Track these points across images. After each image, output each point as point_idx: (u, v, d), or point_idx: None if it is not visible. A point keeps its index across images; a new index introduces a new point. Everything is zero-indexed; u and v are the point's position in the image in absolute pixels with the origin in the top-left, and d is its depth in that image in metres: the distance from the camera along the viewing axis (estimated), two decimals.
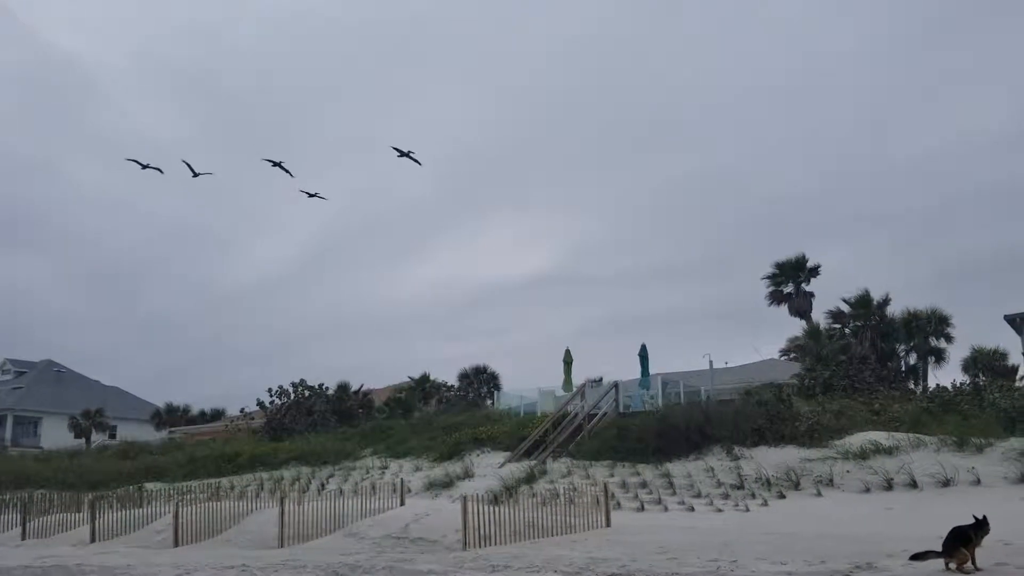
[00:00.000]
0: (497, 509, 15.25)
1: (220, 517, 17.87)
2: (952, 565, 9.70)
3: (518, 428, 27.82)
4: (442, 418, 32.23)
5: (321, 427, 35.10)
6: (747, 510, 17.70)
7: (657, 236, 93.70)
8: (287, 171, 26.19)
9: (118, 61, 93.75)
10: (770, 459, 20.81)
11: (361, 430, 33.06)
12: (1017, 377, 30.84)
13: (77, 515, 20.72)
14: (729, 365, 38.79)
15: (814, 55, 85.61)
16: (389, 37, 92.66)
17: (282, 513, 16.35)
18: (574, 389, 30.60)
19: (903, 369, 35.02)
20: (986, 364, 34.02)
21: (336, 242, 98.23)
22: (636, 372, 32.45)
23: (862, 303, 35.18)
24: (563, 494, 17.64)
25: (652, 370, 32.38)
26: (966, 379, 29.95)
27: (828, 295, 41.25)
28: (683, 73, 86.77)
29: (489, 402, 38.95)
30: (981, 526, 9.90)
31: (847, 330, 35.52)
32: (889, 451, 19.64)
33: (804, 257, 39.41)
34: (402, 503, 18.13)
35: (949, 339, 35.20)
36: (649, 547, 13.03)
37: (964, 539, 9.72)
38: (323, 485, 25.30)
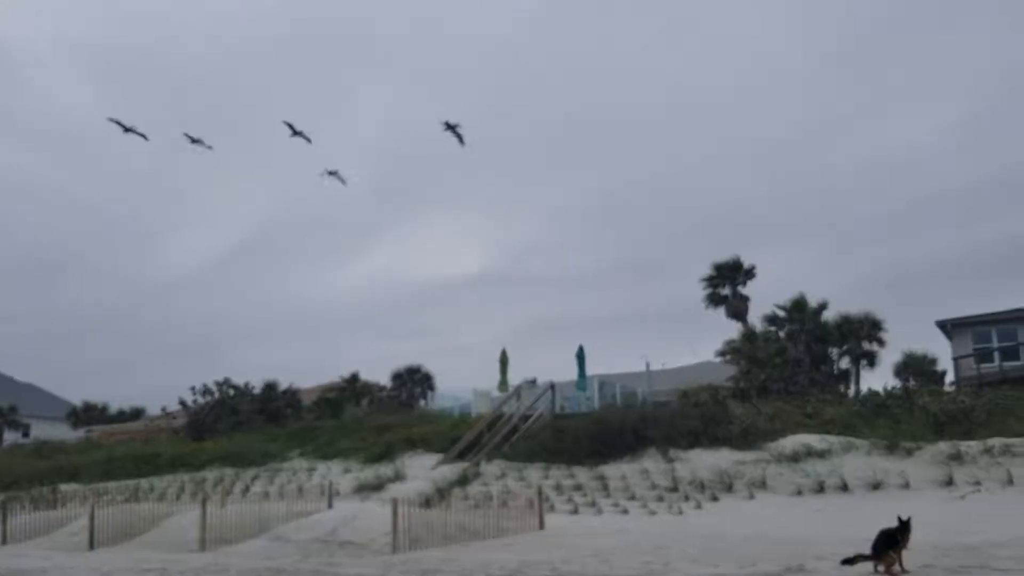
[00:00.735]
0: (428, 512, 14.99)
1: (139, 519, 17.28)
2: (881, 568, 9.66)
3: (452, 429, 27.45)
4: (374, 419, 31.61)
5: (247, 427, 34.14)
6: (681, 513, 17.61)
7: (596, 237, 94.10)
8: (307, 138, 25.28)
9: (39, 42, 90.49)
10: (705, 461, 20.79)
11: (289, 431, 32.22)
12: (946, 382, 31.53)
13: None
14: (667, 367, 39.00)
15: (760, 62, 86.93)
16: (327, 31, 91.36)
17: (204, 515, 15.81)
18: (510, 390, 30.34)
19: (836, 373, 35.55)
20: (917, 369, 34.80)
21: (269, 237, 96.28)
22: (573, 373, 32.36)
23: (797, 307, 35.61)
24: (496, 497, 17.36)
25: (589, 371, 32.32)
26: (897, 383, 30.50)
27: (765, 298, 41.78)
28: (627, 76, 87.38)
29: (423, 403, 38.45)
30: (906, 528, 9.89)
31: (782, 333, 35.96)
32: (821, 454, 19.77)
33: (740, 260, 39.77)
34: (330, 506, 17.72)
35: (882, 343, 35.86)
36: (582, 550, 12.90)
37: (892, 542, 9.70)
38: (247, 487, 24.57)
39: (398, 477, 23.69)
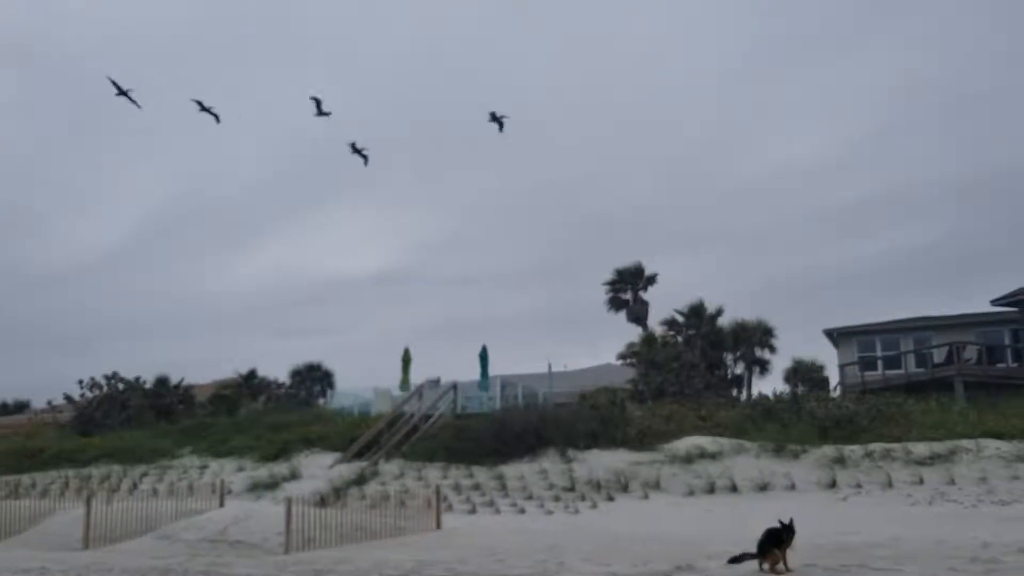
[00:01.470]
0: (324, 511, 14.76)
1: (19, 516, 16.66)
2: (766, 566, 9.97)
3: (351, 428, 27.10)
4: (270, 417, 30.95)
5: (136, 423, 32.92)
6: (577, 512, 17.82)
7: (503, 239, 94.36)
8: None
9: None
10: (602, 462, 21.10)
11: (181, 427, 31.21)
12: (832, 388, 32.83)
13: None
14: (568, 369, 39.45)
15: (668, 71, 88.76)
16: (231, 14, 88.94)
17: (88, 513, 15.25)
18: (411, 389, 30.17)
19: (730, 377, 36.67)
20: (805, 375, 36.15)
21: (163, 227, 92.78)
22: (476, 373, 32.39)
23: (695, 313, 36.60)
24: (394, 496, 17.22)
25: (492, 372, 32.42)
26: (787, 388, 31.62)
27: (665, 303, 42.79)
28: (537, 80, 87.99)
29: (322, 401, 37.84)
30: (789, 529, 10.26)
31: (680, 338, 36.86)
32: (713, 456, 20.31)
33: (642, 265, 40.63)
34: (221, 505, 17.29)
35: (773, 350, 37.20)
36: (479, 549, 12.91)
37: (777, 541, 10.03)
38: (135, 484, 23.71)
39: (293, 476, 23.25)
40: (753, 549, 10.14)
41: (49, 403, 39.73)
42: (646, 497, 18.80)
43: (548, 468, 21.31)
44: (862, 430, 21.36)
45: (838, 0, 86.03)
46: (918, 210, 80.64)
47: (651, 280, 40.67)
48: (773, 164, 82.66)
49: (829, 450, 19.75)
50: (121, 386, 35.96)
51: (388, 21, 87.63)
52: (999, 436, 19.05)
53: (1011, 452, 17.97)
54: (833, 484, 17.98)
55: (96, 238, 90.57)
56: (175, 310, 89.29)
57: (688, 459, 20.34)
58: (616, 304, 41.11)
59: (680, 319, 37.09)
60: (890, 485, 17.44)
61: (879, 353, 33.49)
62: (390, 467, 23.21)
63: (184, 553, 13.44)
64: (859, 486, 17.64)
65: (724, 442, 21.17)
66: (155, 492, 19.52)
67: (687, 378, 30.42)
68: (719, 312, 36.80)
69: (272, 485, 22.61)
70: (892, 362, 32.56)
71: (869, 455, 19.04)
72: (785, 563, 10.02)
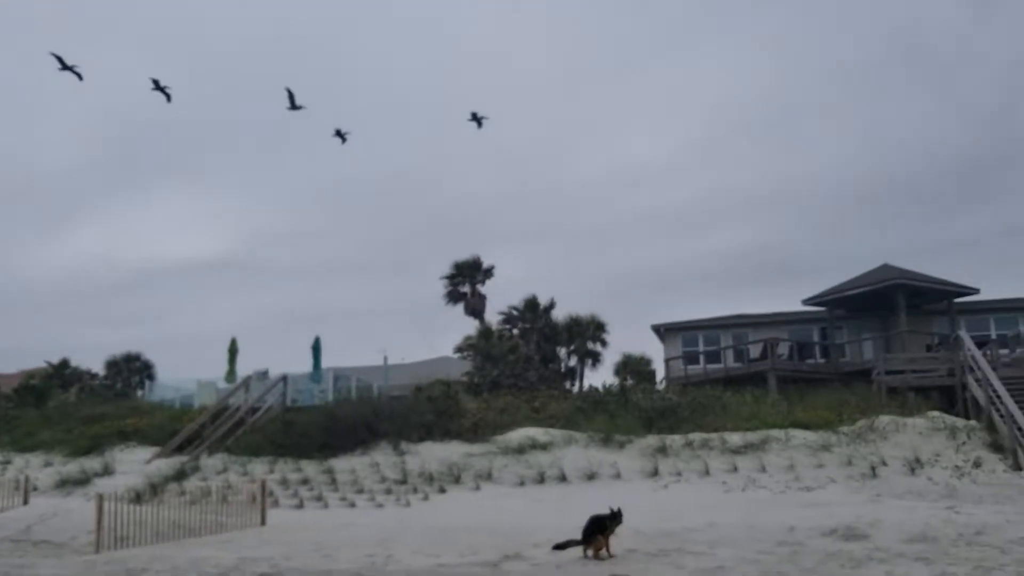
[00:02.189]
0: (139, 508, 13.94)
1: None
2: (590, 552, 10.22)
3: (171, 422, 25.82)
4: (83, 409, 29.01)
5: None
6: (408, 505, 17.66)
7: (340, 229, 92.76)
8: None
9: None
10: (435, 454, 21.03)
11: None
12: (658, 381, 34.20)
13: None
14: (405, 362, 39.20)
15: (512, 67, 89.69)
16: None
17: None
18: (238, 381, 29.05)
19: (564, 370, 37.53)
20: (634, 368, 37.52)
21: None
22: (308, 366, 31.62)
23: (530, 307, 37.21)
24: (216, 492, 16.47)
25: (325, 364, 31.72)
26: (616, 381, 32.63)
27: (502, 297, 43.33)
28: (383, 71, 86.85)
29: (140, 393, 35.88)
30: (615, 516, 10.57)
31: (516, 331, 37.37)
32: (544, 446, 20.65)
33: (480, 259, 40.87)
34: (25, 502, 16.14)
35: (605, 344, 38.38)
36: (305, 545, 12.58)
37: (600, 528, 10.30)
38: None
39: (107, 471, 21.89)
40: (579, 536, 10.37)
41: None
42: (478, 488, 18.87)
43: (380, 461, 21.03)
44: (683, 421, 22.30)
45: (680, 8, 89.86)
46: (742, 213, 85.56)
47: (489, 273, 40.99)
48: (610, 164, 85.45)
49: (653, 440, 20.50)
50: None
51: (231, 1, 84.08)
52: (806, 427, 20.36)
53: (816, 442, 19.25)
54: (656, 472, 18.65)
55: None
56: None
57: (520, 450, 20.59)
58: (454, 297, 41.17)
59: (516, 313, 37.62)
60: (707, 473, 18.28)
61: (701, 348, 35.15)
62: (213, 462, 22.24)
63: None
64: (679, 474, 18.38)
65: (555, 433, 21.57)
66: None
67: (522, 371, 30.85)
68: (551, 306, 37.61)
69: (83, 481, 21.19)
70: (713, 357, 34.25)
71: (689, 444, 19.89)
72: (608, 549, 10.31)
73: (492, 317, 38.66)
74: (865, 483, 16.79)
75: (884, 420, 19.92)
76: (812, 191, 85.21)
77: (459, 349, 36.38)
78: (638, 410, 23.32)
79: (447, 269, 41.03)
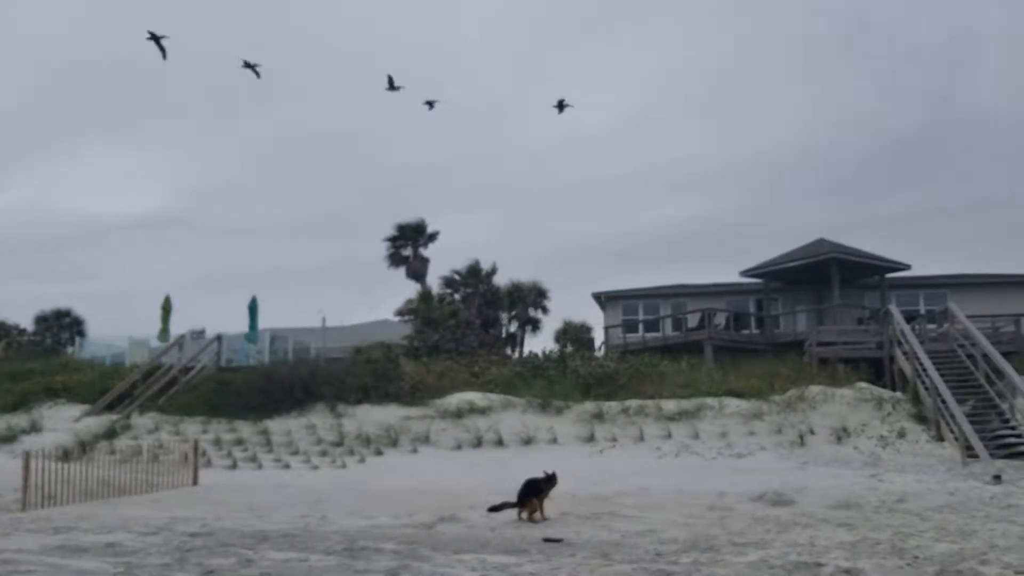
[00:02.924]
0: (67, 466, 13.63)
1: None
2: (524, 515, 10.29)
3: (102, 379, 25.23)
4: (10, 365, 28.20)
5: None
6: (344, 467, 17.59)
7: (281, 188, 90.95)
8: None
9: None
10: (373, 417, 20.96)
11: None
12: (597, 348, 34.50)
13: None
14: (345, 324, 38.87)
15: (463, 39, 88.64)
16: None
17: None
18: (171, 340, 28.49)
19: (504, 336, 37.66)
20: (574, 336, 37.82)
21: None
22: (245, 326, 31.11)
23: (473, 272, 37.16)
24: (147, 451, 16.18)
25: (262, 325, 31.25)
26: (557, 348, 32.84)
27: (445, 262, 43.16)
28: (329, 28, 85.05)
29: (70, 350, 34.99)
30: (550, 480, 10.66)
31: (458, 296, 37.33)
32: (483, 411, 20.73)
33: (424, 222, 40.60)
34: None
35: (546, 311, 38.62)
36: (237, 505, 12.46)
37: (535, 491, 10.38)
38: None
39: (34, 428, 21.38)
40: (514, 499, 10.44)
41: None
42: (415, 451, 18.88)
43: (317, 423, 20.89)
44: (621, 388, 22.58)
45: None
46: (685, 185, 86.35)
47: (432, 237, 40.76)
48: (556, 132, 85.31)
49: (590, 406, 20.72)
50: None
51: None
52: (739, 395, 20.78)
53: (748, 410, 19.66)
54: (592, 438, 18.87)
55: None
56: None
57: (458, 414, 20.63)
58: (396, 260, 40.89)
59: (458, 278, 37.54)
60: (642, 439, 18.55)
61: (641, 316, 35.54)
62: (144, 420, 21.85)
63: None
64: (615, 440, 18.63)
65: (494, 398, 21.66)
66: None
67: (462, 335, 30.83)
68: (493, 271, 37.62)
69: (9, 438, 20.68)
70: (652, 325, 34.66)
71: (625, 411, 20.15)
72: (542, 512, 10.39)
73: (434, 281, 38.56)
74: (793, 451, 17.22)
75: (814, 390, 20.42)
76: (753, 165, 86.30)
77: (400, 312, 36.22)
78: (576, 377, 23.53)
79: (390, 231, 40.73)
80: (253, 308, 29.93)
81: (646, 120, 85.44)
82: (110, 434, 20.66)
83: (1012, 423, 17.19)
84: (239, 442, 19.82)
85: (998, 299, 31.36)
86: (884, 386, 22.02)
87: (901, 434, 17.82)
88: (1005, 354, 20.20)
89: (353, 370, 23.56)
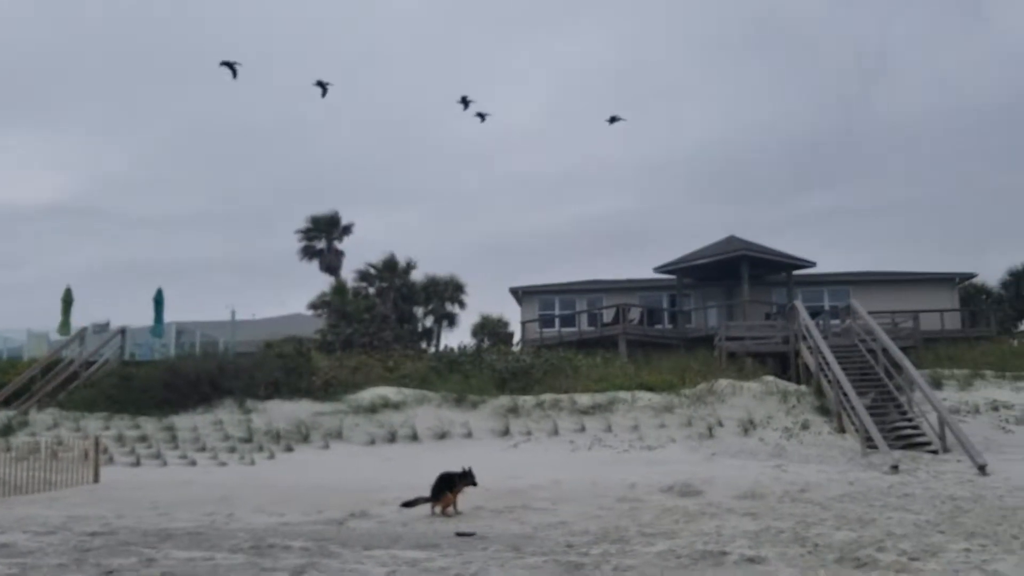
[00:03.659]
0: None
1: None
2: (437, 509, 10.24)
3: None
4: None
5: None
6: (253, 463, 17.20)
7: (191, 179, 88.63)
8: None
9: None
10: (283, 412, 20.56)
11: None
12: (515, 343, 34.61)
13: None
14: (256, 318, 38.09)
15: (386, 32, 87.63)
16: None
17: None
18: (72, 333, 27.39)
19: (421, 330, 37.46)
20: (492, 330, 37.86)
21: None
22: (150, 319, 30.10)
23: (389, 266, 36.83)
24: (46, 448, 15.50)
25: (168, 318, 30.27)
26: (473, 342, 32.83)
27: (361, 255, 42.67)
28: (253, 19, 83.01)
29: None
30: (465, 475, 10.63)
31: (373, 290, 36.96)
32: (397, 406, 20.55)
33: (338, 215, 40.07)
34: None
35: (463, 305, 38.58)
36: (140, 503, 12.07)
37: (450, 485, 10.34)
38: None
39: None
40: (427, 494, 10.37)
41: None
42: (327, 447, 18.59)
43: (224, 419, 20.38)
44: (536, 382, 22.70)
45: None
46: (602, 184, 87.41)
47: (347, 230, 40.26)
48: (480, 130, 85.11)
49: (505, 400, 20.76)
50: None
51: None
52: (651, 389, 21.12)
53: (660, 403, 20.00)
54: (507, 432, 18.91)
55: None
56: None
57: (372, 409, 20.40)
58: (309, 253, 40.26)
59: (373, 271, 37.16)
60: (556, 432, 18.68)
61: (557, 312, 35.79)
62: (43, 417, 20.95)
63: None
64: (529, 433, 18.71)
65: (408, 392, 21.50)
66: None
67: (377, 330, 30.54)
68: (411, 266, 37.37)
69: None
70: (568, 320, 34.94)
71: (540, 405, 20.26)
72: (455, 506, 10.36)
73: (349, 275, 38.10)
74: (702, 443, 17.59)
75: (723, 384, 20.90)
76: (669, 164, 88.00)
77: (313, 306, 35.67)
78: (492, 371, 23.55)
79: (303, 224, 40.06)
80: (159, 301, 28.96)
81: (565, 120, 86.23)
82: (6, 431, 19.75)
83: (909, 415, 17.91)
84: (143, 439, 19.18)
85: (898, 296, 32.71)
86: (789, 380, 22.69)
87: (805, 426, 18.38)
88: (904, 349, 21.04)
89: (263, 364, 23.05)
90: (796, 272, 33.53)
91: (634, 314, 33.21)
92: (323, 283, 38.28)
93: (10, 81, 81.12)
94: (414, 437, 18.93)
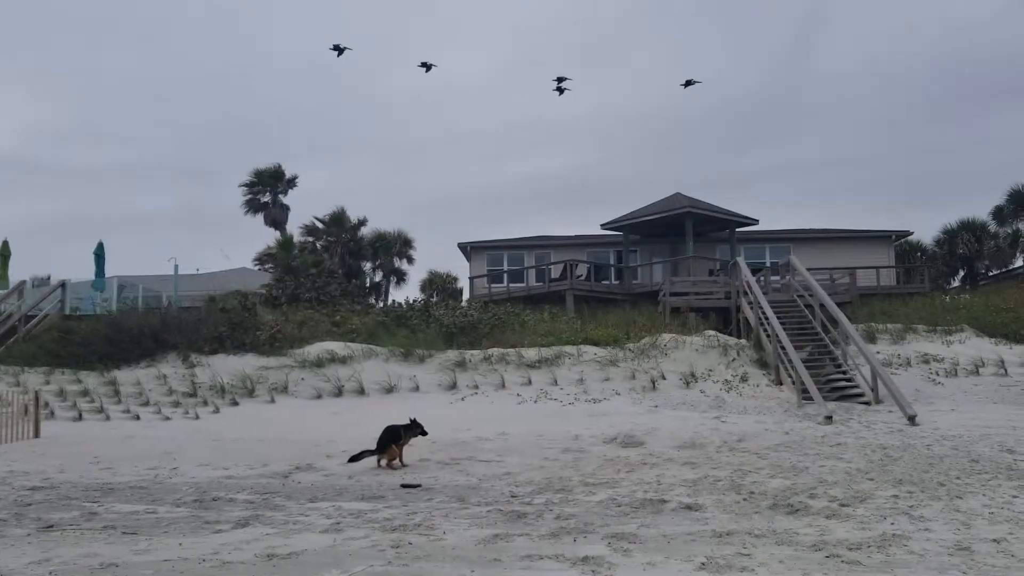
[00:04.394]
0: None
1: None
2: (383, 462, 10.33)
3: None
4: None
5: None
6: (197, 418, 17.09)
7: (132, 130, 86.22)
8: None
9: None
10: (228, 367, 20.40)
11: None
12: (463, 298, 34.68)
13: None
14: (200, 272, 37.48)
15: None
16: None
17: None
18: (11, 287, 26.73)
19: (368, 286, 37.33)
20: (440, 286, 37.92)
21: None
22: (91, 273, 29.50)
23: (336, 220, 36.51)
24: None
25: (110, 272, 29.72)
26: (422, 298, 32.84)
27: (309, 210, 42.20)
28: None
29: None
30: (411, 427, 10.73)
31: (320, 244, 36.65)
32: (344, 360, 20.52)
33: (282, 168, 39.47)
34: None
35: (412, 261, 38.53)
36: (82, 457, 11.97)
37: (395, 438, 10.43)
38: None
39: None
40: (374, 447, 10.44)
41: None
42: (273, 401, 18.54)
43: (168, 373, 20.16)
44: (484, 336, 22.84)
45: None
46: (551, 140, 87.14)
47: (292, 183, 39.71)
48: (429, 83, 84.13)
49: (453, 354, 20.86)
50: None
51: None
52: (597, 343, 21.40)
53: (605, 357, 20.29)
54: (454, 386, 19.04)
55: None
56: None
57: (319, 363, 20.36)
58: (254, 207, 39.69)
59: (320, 226, 36.80)
60: (503, 386, 18.87)
61: (505, 267, 35.92)
62: None
63: None
64: (476, 387, 18.87)
65: (355, 347, 21.47)
66: None
67: (324, 285, 30.33)
68: (361, 222, 37.09)
69: None
70: (516, 276, 35.11)
71: (487, 359, 20.41)
72: (401, 459, 10.46)
73: (296, 229, 37.70)
74: (645, 395, 17.94)
75: (666, 338, 21.27)
76: (616, 121, 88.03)
77: (259, 260, 35.27)
78: (440, 326, 23.61)
79: (247, 177, 39.41)
80: (99, 254, 28.36)
81: (514, 75, 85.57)
82: None
83: (844, 368, 18.46)
84: (85, 393, 18.91)
85: (837, 253, 33.48)
86: (731, 334, 23.17)
87: (744, 379, 18.84)
88: (840, 304, 21.65)
89: (207, 319, 22.78)
90: (739, 229, 34.07)
91: (581, 270, 33.48)
92: (269, 237, 37.88)
93: None
94: (361, 391, 18.96)
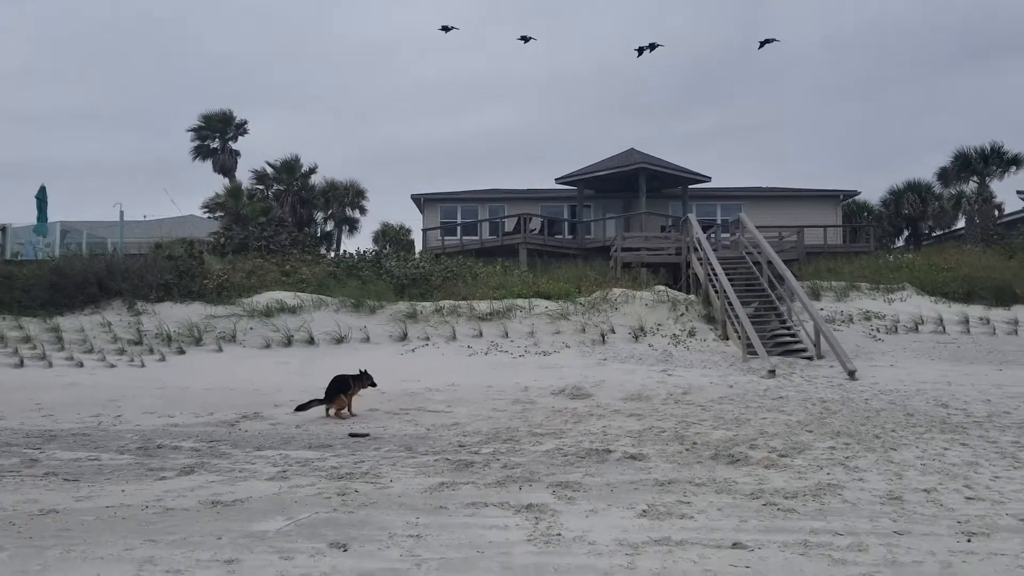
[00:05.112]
0: None
1: None
2: (331, 411, 10.33)
3: None
4: None
5: None
6: (143, 366, 16.86)
7: (77, 73, 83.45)
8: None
9: None
10: (175, 315, 20.10)
11: None
12: (416, 251, 34.48)
13: None
14: (147, 218, 36.73)
15: None
16: None
17: None
18: None
19: (320, 235, 36.92)
20: (393, 237, 37.64)
21: None
22: (33, 217, 28.74)
23: (287, 168, 35.89)
24: None
25: (53, 217, 28.96)
26: (374, 249, 32.60)
27: (259, 157, 41.40)
28: None
29: None
30: (360, 377, 10.74)
31: (270, 193, 36.06)
32: (293, 310, 20.35)
33: (232, 113, 38.59)
34: None
35: (364, 211, 38.15)
36: (23, 404, 11.81)
37: (344, 387, 10.42)
38: None
39: None
40: (322, 396, 10.43)
41: None
42: (220, 350, 18.34)
43: (113, 320, 19.80)
44: (435, 289, 22.76)
45: None
46: (507, 94, 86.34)
47: (241, 129, 38.85)
48: (385, 32, 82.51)
49: (404, 306, 20.79)
50: None
51: None
52: (548, 297, 21.48)
53: (556, 310, 20.40)
54: (405, 337, 19.01)
55: None
56: None
57: (268, 313, 20.16)
58: (203, 153, 38.81)
59: (271, 172, 36.17)
60: (454, 338, 18.89)
61: (459, 220, 35.74)
62: None
63: None
64: (427, 339, 18.86)
65: (305, 297, 21.28)
66: None
67: (273, 233, 29.93)
68: (312, 170, 36.53)
69: None
70: (470, 229, 34.98)
71: (439, 311, 20.38)
72: (350, 408, 10.48)
73: (245, 176, 37.01)
74: (595, 348, 18.12)
75: (616, 292, 21.44)
76: (573, 78, 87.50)
77: (207, 208, 34.58)
78: (391, 277, 23.47)
79: (195, 122, 38.47)
80: (42, 198, 27.60)
81: (474, 28, 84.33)
82: None
83: (789, 324, 18.81)
84: (27, 340, 18.50)
85: (785, 212, 33.91)
86: (680, 289, 23.43)
87: (691, 333, 19.11)
88: (788, 262, 21.98)
89: (154, 266, 22.34)
90: (692, 186, 34.28)
91: (535, 224, 33.49)
92: (218, 184, 37.13)
93: None
94: (311, 341, 18.84)
